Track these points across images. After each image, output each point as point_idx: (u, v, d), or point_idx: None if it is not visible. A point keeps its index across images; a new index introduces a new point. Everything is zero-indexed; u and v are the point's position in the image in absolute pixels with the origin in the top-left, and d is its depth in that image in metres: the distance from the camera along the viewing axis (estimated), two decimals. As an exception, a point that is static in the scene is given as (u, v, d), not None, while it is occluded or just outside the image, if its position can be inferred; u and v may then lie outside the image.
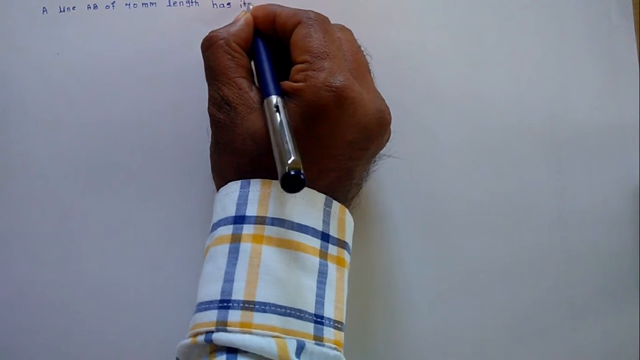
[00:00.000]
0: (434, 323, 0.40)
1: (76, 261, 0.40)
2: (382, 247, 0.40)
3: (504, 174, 0.42)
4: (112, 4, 0.41)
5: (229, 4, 0.41)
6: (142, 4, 0.41)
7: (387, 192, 0.41)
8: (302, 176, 0.29)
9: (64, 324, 0.39)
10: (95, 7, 0.41)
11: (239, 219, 0.32)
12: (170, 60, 0.41)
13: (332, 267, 0.32)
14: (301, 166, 0.29)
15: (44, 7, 0.41)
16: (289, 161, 0.29)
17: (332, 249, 0.33)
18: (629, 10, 0.43)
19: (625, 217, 0.42)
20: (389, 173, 0.40)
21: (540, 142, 0.42)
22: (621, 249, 0.42)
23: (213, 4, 0.41)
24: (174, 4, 0.41)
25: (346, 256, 0.34)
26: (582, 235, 0.42)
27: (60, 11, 0.41)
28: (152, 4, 0.41)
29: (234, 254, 0.31)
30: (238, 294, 0.30)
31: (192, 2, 0.41)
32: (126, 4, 0.41)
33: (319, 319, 0.31)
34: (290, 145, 0.30)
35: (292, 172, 0.29)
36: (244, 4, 0.41)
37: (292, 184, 0.29)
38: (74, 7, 0.41)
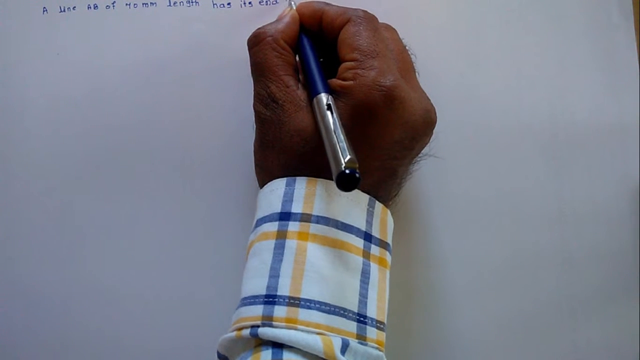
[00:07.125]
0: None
1: (77, 261, 0.40)
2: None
3: (503, 174, 0.42)
4: (113, 4, 0.41)
5: (229, 4, 0.41)
6: (143, 4, 0.41)
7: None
8: (357, 175, 0.29)
9: (65, 324, 0.39)
10: (95, 7, 0.41)
11: (285, 216, 0.32)
12: (170, 60, 0.41)
13: (374, 268, 0.33)
14: (357, 165, 0.29)
15: (44, 7, 0.41)
16: (345, 159, 0.29)
17: (375, 250, 0.33)
18: (629, 10, 0.43)
19: (625, 217, 0.42)
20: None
21: (540, 142, 0.42)
22: (621, 249, 0.42)
23: (213, 4, 0.41)
24: (174, 4, 0.41)
25: (387, 257, 0.34)
26: (582, 235, 0.42)
27: (61, 11, 0.41)
28: (153, 4, 0.41)
29: (279, 250, 0.31)
30: (284, 289, 0.30)
31: (192, 2, 0.41)
32: (126, 4, 0.41)
33: (362, 319, 0.31)
34: (345, 144, 0.30)
35: (348, 171, 0.29)
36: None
37: (347, 183, 0.29)
38: (74, 7, 0.41)
